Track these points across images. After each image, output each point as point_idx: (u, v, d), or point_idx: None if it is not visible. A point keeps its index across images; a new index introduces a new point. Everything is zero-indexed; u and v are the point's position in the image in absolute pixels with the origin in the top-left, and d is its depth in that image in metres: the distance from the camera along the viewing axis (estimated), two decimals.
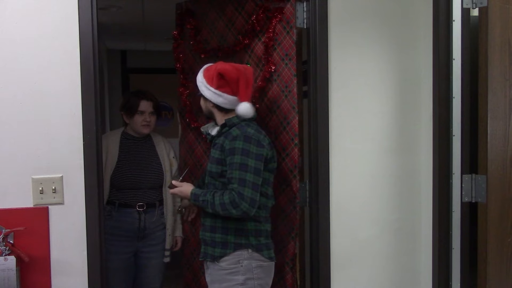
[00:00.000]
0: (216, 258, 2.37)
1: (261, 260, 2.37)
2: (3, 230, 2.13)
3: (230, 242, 2.36)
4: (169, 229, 3.07)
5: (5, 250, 2.10)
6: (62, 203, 2.23)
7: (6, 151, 2.17)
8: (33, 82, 2.18)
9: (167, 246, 3.08)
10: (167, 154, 3.09)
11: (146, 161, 3.03)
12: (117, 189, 2.96)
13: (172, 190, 2.52)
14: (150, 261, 3.06)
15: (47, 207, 2.21)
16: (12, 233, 2.15)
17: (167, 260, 3.11)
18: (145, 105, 2.99)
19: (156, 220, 3.03)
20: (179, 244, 3.13)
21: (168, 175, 3.05)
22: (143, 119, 2.99)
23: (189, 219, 2.98)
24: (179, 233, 3.13)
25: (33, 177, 2.19)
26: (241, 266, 2.34)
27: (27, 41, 2.17)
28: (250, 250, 2.36)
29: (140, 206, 2.97)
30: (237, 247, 2.35)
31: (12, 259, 2.08)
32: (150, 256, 3.05)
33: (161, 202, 3.06)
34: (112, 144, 2.98)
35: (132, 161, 3.00)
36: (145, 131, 3.02)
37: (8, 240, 2.14)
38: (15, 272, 2.08)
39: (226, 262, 2.35)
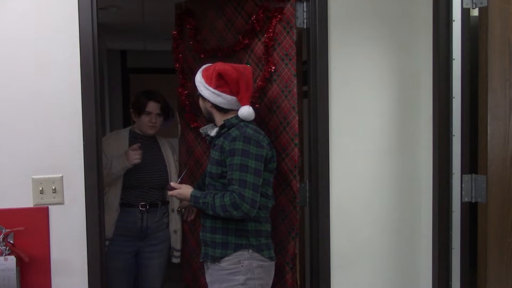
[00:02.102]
0: (216, 259, 2.37)
1: (262, 260, 2.37)
2: (3, 230, 2.13)
3: (231, 243, 2.36)
4: (178, 230, 3.07)
5: (5, 250, 2.10)
6: (62, 203, 2.23)
7: (6, 151, 2.17)
8: (33, 82, 2.18)
9: (178, 246, 3.08)
10: (172, 156, 3.10)
11: (152, 161, 3.04)
12: (122, 188, 2.96)
13: (171, 192, 2.52)
14: (151, 261, 3.06)
15: (47, 207, 2.21)
16: (12, 233, 2.15)
17: (177, 261, 3.10)
18: (152, 106, 3.00)
19: (158, 220, 3.04)
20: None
21: (174, 177, 3.04)
22: (149, 119, 3.00)
23: (189, 219, 2.98)
24: None
25: (33, 177, 2.19)
26: (242, 266, 2.34)
27: (27, 41, 2.17)
28: (250, 251, 2.36)
29: (142, 206, 2.98)
30: (238, 247, 2.35)
31: (12, 259, 2.08)
32: (151, 256, 3.05)
33: (163, 202, 3.06)
34: (122, 142, 2.99)
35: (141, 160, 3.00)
36: (150, 131, 3.03)
37: (8, 240, 2.14)
38: (15, 272, 2.08)
39: (227, 262, 2.35)
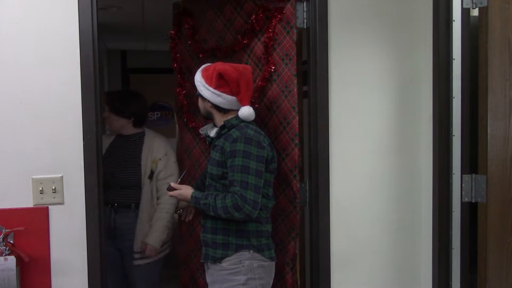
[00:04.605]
0: (217, 259, 2.37)
1: (262, 260, 2.37)
2: (3, 230, 2.13)
3: (232, 244, 2.36)
4: (137, 232, 2.98)
5: (5, 250, 2.10)
6: (62, 203, 2.23)
7: (6, 151, 2.17)
8: (33, 82, 2.18)
9: (135, 248, 2.99)
10: (151, 154, 3.01)
11: (126, 160, 3.04)
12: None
13: (171, 193, 2.52)
14: (134, 261, 3.02)
15: (47, 207, 2.21)
16: (12, 233, 2.15)
17: (137, 263, 3.00)
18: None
19: (131, 222, 2.98)
20: (148, 253, 2.97)
21: (146, 177, 2.99)
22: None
23: (187, 220, 2.97)
24: (151, 241, 2.95)
25: (33, 177, 2.19)
26: (243, 266, 2.34)
27: (27, 41, 2.17)
28: (251, 251, 2.35)
29: (112, 206, 2.98)
30: (239, 248, 2.35)
31: (12, 259, 2.08)
32: (133, 257, 3.02)
33: (137, 205, 3.00)
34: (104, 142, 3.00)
35: (112, 158, 3.01)
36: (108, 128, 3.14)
37: (8, 240, 2.14)
38: (15, 272, 2.08)
39: (228, 262, 2.35)
